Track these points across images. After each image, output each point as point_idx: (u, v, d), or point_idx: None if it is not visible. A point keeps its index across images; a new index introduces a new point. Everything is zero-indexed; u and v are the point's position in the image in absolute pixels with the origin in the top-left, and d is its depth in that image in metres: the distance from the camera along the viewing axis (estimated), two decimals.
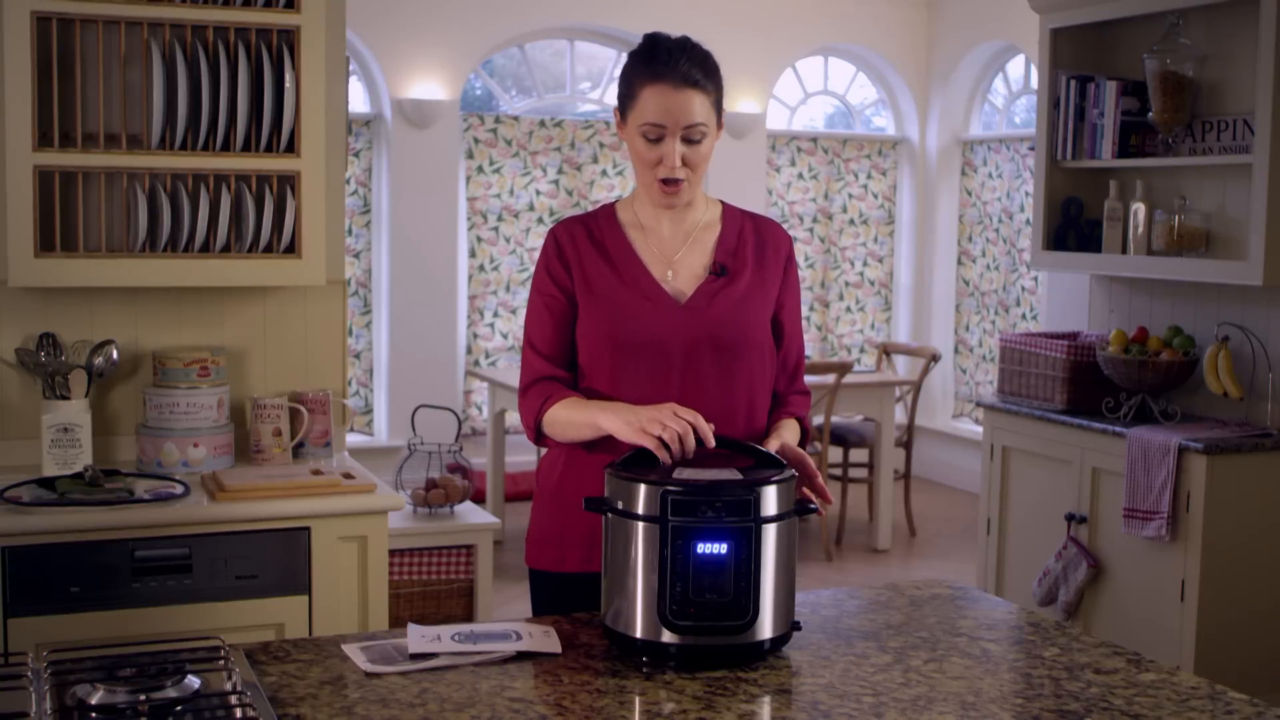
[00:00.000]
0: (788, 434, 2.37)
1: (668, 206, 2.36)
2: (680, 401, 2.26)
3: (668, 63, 2.28)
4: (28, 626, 2.80)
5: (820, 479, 2.23)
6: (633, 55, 2.34)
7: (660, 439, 2.08)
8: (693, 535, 1.89)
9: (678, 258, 2.38)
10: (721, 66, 2.38)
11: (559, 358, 2.38)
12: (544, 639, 2.01)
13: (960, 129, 8.43)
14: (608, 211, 2.45)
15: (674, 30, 2.43)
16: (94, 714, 1.64)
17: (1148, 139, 4.75)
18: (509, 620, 2.11)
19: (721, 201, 2.49)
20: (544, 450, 2.49)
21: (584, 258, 2.37)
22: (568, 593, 2.34)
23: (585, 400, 2.31)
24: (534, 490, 2.52)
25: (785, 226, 8.37)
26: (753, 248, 2.42)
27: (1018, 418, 4.89)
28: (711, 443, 2.10)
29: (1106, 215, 4.80)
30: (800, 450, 2.27)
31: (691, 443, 2.08)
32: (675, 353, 2.31)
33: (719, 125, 2.36)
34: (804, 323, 8.43)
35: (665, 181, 2.31)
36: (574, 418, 2.29)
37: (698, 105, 2.28)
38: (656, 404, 2.18)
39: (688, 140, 2.29)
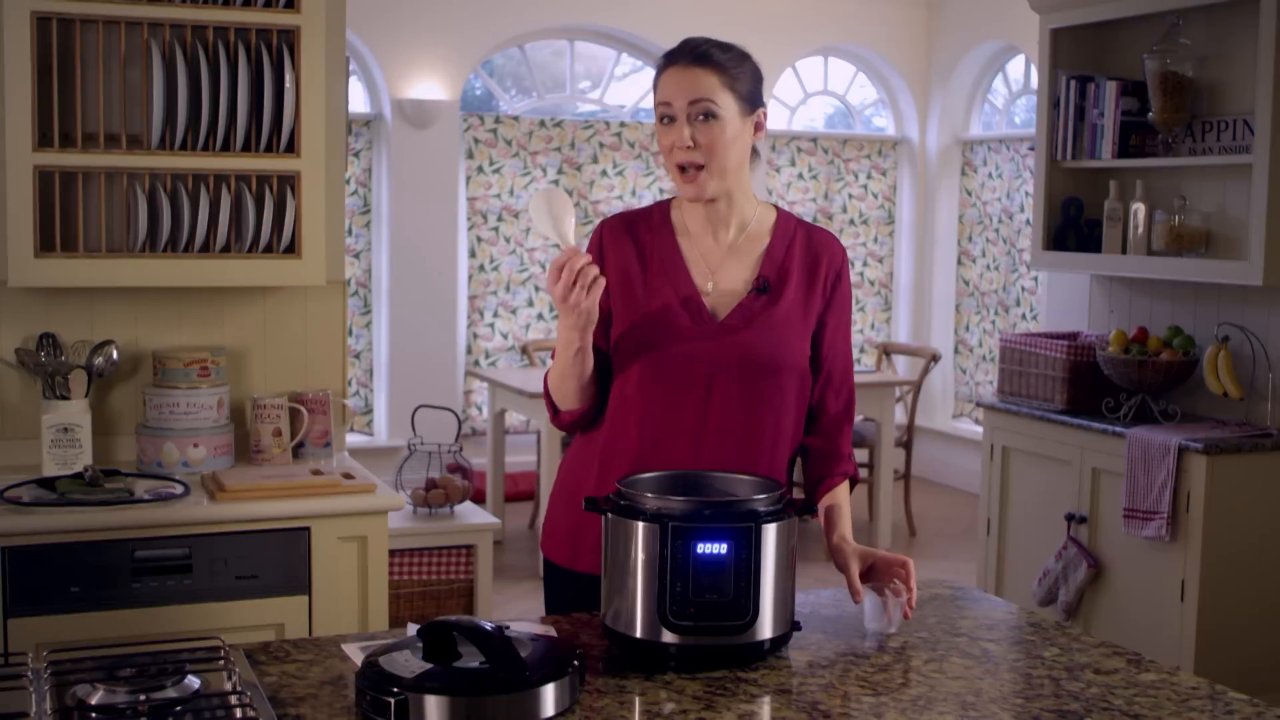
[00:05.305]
0: (845, 521, 2.31)
1: (689, 198, 2.28)
2: (705, 422, 2.25)
3: (686, 47, 2.24)
4: (28, 626, 2.80)
5: (910, 586, 2.12)
6: None
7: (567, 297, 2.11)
8: (693, 535, 1.89)
9: (721, 268, 2.31)
10: None
11: None
12: None
13: (960, 129, 8.43)
14: (663, 211, 2.37)
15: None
16: (94, 714, 1.64)
17: (1148, 139, 4.75)
18: (509, 620, 2.11)
19: (777, 208, 2.39)
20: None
21: (626, 259, 2.31)
22: (581, 592, 2.29)
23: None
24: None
25: None
26: (801, 262, 2.32)
27: (1018, 418, 4.89)
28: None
29: (1106, 215, 4.80)
30: (895, 556, 2.16)
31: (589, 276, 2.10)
32: (703, 371, 2.26)
33: (753, 119, 2.27)
34: None
35: (681, 168, 2.23)
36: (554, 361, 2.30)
37: (708, 82, 2.20)
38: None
39: (698, 119, 2.20)
